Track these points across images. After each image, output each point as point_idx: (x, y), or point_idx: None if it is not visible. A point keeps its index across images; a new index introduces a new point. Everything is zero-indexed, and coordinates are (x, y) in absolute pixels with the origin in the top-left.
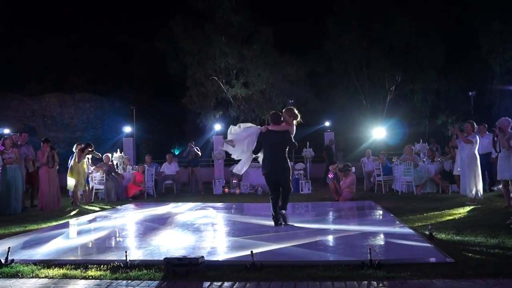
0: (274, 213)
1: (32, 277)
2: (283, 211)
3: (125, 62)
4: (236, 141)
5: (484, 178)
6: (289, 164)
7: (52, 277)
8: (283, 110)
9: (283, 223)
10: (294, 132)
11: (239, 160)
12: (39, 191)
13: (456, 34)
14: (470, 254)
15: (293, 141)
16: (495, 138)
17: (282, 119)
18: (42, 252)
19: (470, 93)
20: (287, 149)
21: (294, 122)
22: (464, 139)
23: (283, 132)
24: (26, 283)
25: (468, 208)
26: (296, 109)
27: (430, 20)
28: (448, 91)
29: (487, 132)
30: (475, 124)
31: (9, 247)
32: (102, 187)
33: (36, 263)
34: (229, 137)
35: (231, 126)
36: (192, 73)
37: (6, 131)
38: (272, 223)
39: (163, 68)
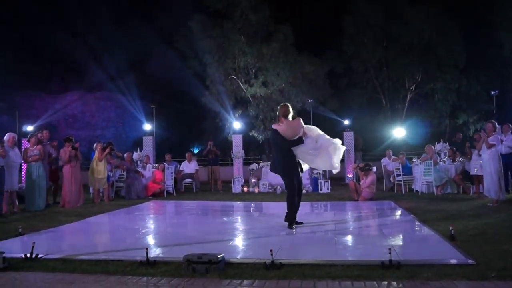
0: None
1: (56, 271)
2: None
3: (145, 61)
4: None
5: (507, 179)
6: (290, 163)
7: (74, 272)
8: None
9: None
10: (299, 129)
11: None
12: (62, 188)
13: (478, 33)
14: (492, 256)
15: (279, 139)
16: None
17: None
18: (64, 247)
19: (493, 92)
20: (282, 148)
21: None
22: (488, 144)
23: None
24: (49, 277)
25: (490, 209)
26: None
27: (450, 19)
28: (469, 90)
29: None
30: (496, 124)
31: (33, 242)
32: (122, 185)
33: (59, 258)
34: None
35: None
36: (212, 72)
37: (30, 128)
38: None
39: (182, 67)
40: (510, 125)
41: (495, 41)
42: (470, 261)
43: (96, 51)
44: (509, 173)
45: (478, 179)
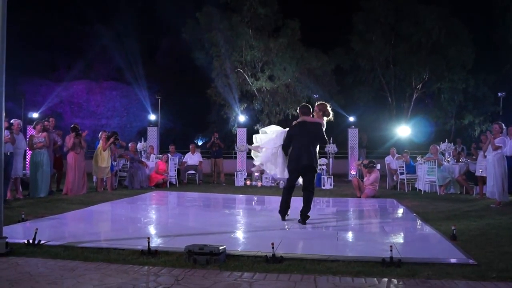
0: (282, 207)
1: (57, 258)
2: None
3: (152, 52)
4: (262, 145)
5: (511, 181)
6: (318, 162)
7: (75, 259)
8: (316, 104)
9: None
10: (324, 129)
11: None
12: (65, 176)
13: (487, 34)
14: (493, 257)
15: (325, 136)
16: None
17: (312, 112)
18: (67, 235)
19: (500, 94)
20: (318, 144)
21: (325, 118)
22: (494, 146)
23: (316, 123)
24: (51, 263)
25: (493, 211)
26: (330, 106)
27: (460, 19)
28: (476, 91)
29: None
30: (503, 125)
31: (36, 229)
32: (125, 174)
33: (61, 245)
34: (254, 144)
35: (255, 135)
36: (218, 64)
37: (35, 115)
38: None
39: (189, 59)
40: None
41: (504, 42)
42: (471, 261)
43: (104, 41)
44: None
45: (482, 180)
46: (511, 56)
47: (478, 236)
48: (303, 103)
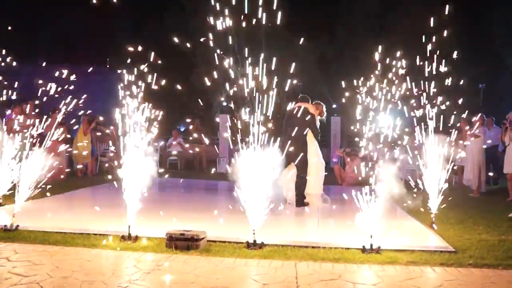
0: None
1: (36, 243)
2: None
3: (135, 36)
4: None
5: (489, 171)
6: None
7: (55, 245)
8: (313, 103)
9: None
10: (319, 125)
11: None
12: None
13: (469, 26)
14: (470, 245)
15: (317, 127)
16: (505, 131)
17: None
18: (46, 220)
19: (480, 86)
20: (306, 130)
21: (318, 117)
22: (473, 135)
23: (308, 112)
24: (30, 249)
25: (471, 200)
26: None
27: (443, 9)
28: (457, 82)
29: (494, 125)
30: (484, 117)
31: (14, 213)
32: (106, 159)
33: (40, 230)
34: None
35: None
36: (201, 50)
37: (13, 97)
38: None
39: (172, 44)
40: (494, 119)
41: (486, 35)
42: (449, 249)
43: (84, 23)
44: (491, 166)
45: (461, 170)
46: (493, 47)
47: (456, 224)
48: (302, 94)
